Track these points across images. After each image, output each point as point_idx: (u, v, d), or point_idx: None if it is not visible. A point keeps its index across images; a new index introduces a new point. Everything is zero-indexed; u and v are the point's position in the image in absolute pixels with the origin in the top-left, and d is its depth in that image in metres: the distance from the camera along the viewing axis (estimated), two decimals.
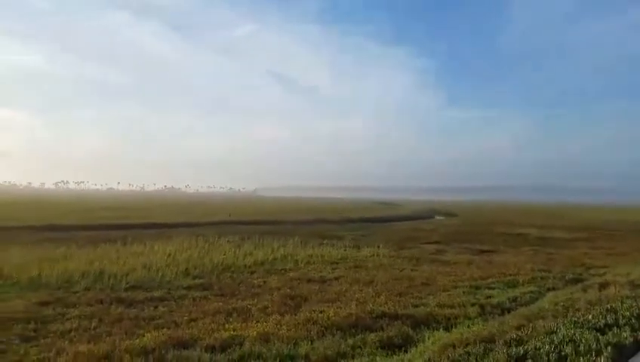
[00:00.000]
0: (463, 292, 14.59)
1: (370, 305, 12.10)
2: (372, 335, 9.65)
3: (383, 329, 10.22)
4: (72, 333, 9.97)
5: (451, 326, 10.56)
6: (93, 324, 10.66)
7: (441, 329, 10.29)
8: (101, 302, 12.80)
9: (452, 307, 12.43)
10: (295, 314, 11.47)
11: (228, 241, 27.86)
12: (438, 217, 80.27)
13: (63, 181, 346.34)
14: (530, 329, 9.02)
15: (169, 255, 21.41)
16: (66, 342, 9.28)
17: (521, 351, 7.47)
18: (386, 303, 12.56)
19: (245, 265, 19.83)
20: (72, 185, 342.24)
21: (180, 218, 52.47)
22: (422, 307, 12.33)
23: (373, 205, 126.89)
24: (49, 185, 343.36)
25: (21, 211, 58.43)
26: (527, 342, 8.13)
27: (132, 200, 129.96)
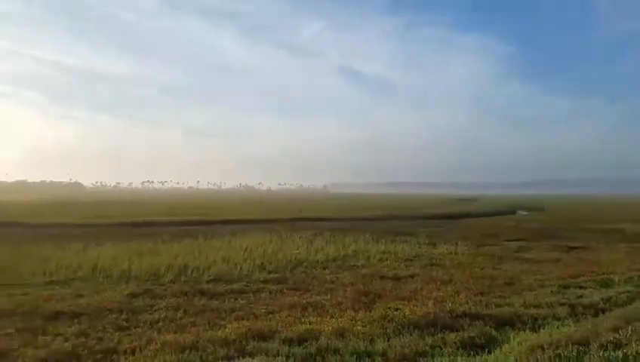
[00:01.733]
0: (551, 292, 13.73)
1: (449, 304, 11.75)
2: (452, 335, 9.36)
3: (463, 328, 9.89)
4: (160, 323, 10.67)
5: (538, 327, 9.98)
6: (179, 315, 11.35)
7: (527, 330, 9.76)
8: (185, 294, 13.60)
9: (539, 307, 11.75)
10: (369, 311, 11.44)
11: (300, 237, 28.37)
12: (521, 212, 76.23)
13: (148, 180, 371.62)
14: (629, 331, 8.29)
15: (245, 250, 22.24)
16: (155, 332, 9.96)
17: (620, 355, 6.89)
18: (466, 302, 12.13)
19: (317, 261, 20.08)
20: (156, 185, 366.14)
21: (254, 214, 54.31)
22: (505, 307, 11.76)
23: (450, 200, 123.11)
24: (136, 184, 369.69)
25: (111, 209, 63.51)
26: (625, 345, 7.50)
27: (211, 197, 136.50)
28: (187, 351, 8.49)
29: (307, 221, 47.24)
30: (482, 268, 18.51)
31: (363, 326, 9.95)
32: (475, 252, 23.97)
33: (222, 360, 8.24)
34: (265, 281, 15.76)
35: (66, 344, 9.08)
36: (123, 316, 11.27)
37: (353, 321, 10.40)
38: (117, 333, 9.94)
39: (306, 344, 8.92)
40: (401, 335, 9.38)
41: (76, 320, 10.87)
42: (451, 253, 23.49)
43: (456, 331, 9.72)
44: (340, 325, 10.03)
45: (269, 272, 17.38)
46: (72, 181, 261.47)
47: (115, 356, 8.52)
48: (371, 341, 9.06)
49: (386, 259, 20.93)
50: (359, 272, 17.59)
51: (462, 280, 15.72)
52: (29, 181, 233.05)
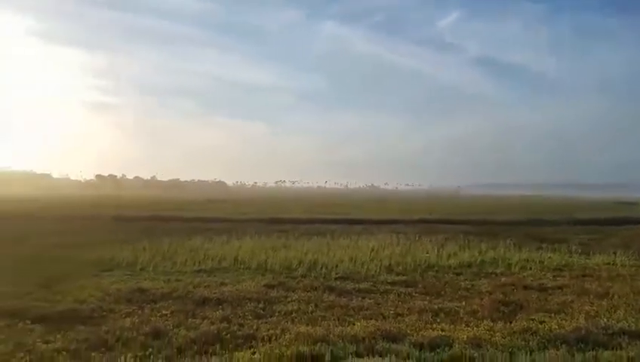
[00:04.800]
0: None
1: (604, 320, 10.59)
2: (606, 353, 8.46)
3: (620, 347, 8.85)
4: (293, 314, 11.44)
5: None
6: (310, 309, 12.02)
7: None
8: (315, 289, 14.31)
9: None
10: (509, 322, 10.85)
11: (430, 240, 27.72)
12: None
13: (281, 180, 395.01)
14: None
15: (372, 250, 22.51)
16: (289, 322, 10.70)
17: None
18: (625, 319, 10.80)
19: (450, 266, 19.48)
20: (288, 184, 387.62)
21: (381, 215, 54.48)
22: None
23: (606, 204, 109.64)
24: (270, 183, 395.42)
25: (249, 206, 68.93)
26: None
27: (338, 197, 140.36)
28: (319, 343, 8.96)
29: (438, 223, 45.92)
30: None
31: (502, 338, 9.51)
32: (639, 263, 21.05)
33: (352, 356, 8.53)
34: (393, 283, 15.80)
35: (212, 327, 10.19)
36: (260, 305, 12.27)
37: (491, 331, 9.97)
38: (255, 321, 10.87)
39: (437, 350, 8.79)
40: (546, 350, 8.74)
41: (220, 307, 12.14)
42: (609, 263, 20.95)
43: (612, 349, 8.74)
44: (476, 334, 9.70)
45: (397, 274, 17.38)
46: (217, 180, 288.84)
47: (253, 342, 9.35)
48: (511, 354, 8.59)
49: (530, 268, 19.46)
50: (498, 280, 16.66)
51: (621, 294, 13.98)
52: (181, 180, 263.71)
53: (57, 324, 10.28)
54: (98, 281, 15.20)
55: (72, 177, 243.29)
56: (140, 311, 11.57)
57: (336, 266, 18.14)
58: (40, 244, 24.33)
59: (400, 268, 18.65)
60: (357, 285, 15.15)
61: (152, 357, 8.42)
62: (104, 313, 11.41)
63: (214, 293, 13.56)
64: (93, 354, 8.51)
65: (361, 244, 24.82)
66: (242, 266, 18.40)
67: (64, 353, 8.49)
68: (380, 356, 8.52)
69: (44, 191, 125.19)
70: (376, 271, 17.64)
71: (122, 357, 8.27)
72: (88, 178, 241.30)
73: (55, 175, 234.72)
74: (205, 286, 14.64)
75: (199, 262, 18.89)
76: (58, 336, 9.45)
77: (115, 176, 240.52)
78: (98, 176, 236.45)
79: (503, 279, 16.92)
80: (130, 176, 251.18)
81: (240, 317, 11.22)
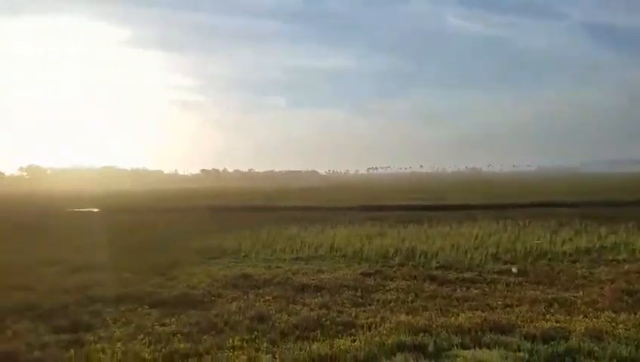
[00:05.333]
0: None
1: None
2: None
3: None
4: (392, 304, 11.35)
5: None
6: (410, 298, 11.85)
7: None
8: (415, 278, 14.07)
9: None
10: (634, 313, 9.90)
11: (541, 225, 25.96)
12: None
13: (373, 167, 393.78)
14: None
15: (476, 237, 21.61)
16: (388, 311, 10.64)
17: None
18: None
19: (564, 253, 18.11)
20: (380, 171, 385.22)
21: (483, 199, 52.08)
22: None
23: None
24: (362, 171, 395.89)
25: (341, 194, 69.67)
26: None
27: (435, 182, 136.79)
28: (421, 333, 8.80)
29: (550, 206, 42.84)
30: None
31: (626, 330, 8.71)
32: None
33: (457, 347, 8.27)
34: (500, 272, 15.07)
35: (312, 313, 10.46)
36: (358, 293, 12.35)
37: (613, 323, 9.16)
38: (353, 309, 10.97)
39: (552, 342, 8.24)
40: None
41: (318, 293, 12.42)
42: None
43: None
44: (596, 326, 8.97)
45: (505, 263, 16.54)
46: (309, 170, 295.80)
47: (353, 329, 9.44)
48: (637, 347, 7.81)
49: None
50: (620, 268, 15.22)
51: None
52: (275, 171, 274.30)
53: (171, 308, 11.20)
54: (206, 268, 16.31)
55: (180, 172, 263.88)
56: (244, 296, 12.24)
57: (437, 254, 17.68)
58: (154, 234, 26.71)
59: (508, 256, 17.71)
60: (460, 274, 14.65)
61: (257, 340, 8.85)
62: (213, 298, 12.22)
63: (312, 280, 13.92)
64: (204, 337, 9.14)
65: (463, 231, 23.97)
66: (338, 254, 18.66)
67: (179, 335, 9.22)
68: (488, 348, 8.17)
69: (156, 186, 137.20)
70: (481, 260, 16.91)
71: (230, 340, 8.79)
72: (194, 172, 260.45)
73: (165, 171, 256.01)
74: (303, 274, 15.08)
75: (296, 250, 19.49)
76: (173, 320, 10.28)
77: (217, 170, 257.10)
78: (203, 171, 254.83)
79: (626, 266, 15.44)
80: (230, 170, 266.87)
81: (338, 304, 11.39)
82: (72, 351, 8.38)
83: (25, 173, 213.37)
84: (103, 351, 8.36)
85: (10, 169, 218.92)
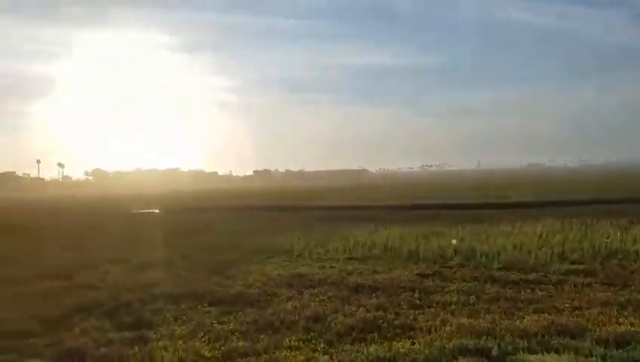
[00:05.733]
0: None
1: None
2: None
3: None
4: (452, 306, 11.04)
5: None
6: (471, 300, 11.48)
7: None
8: (476, 279, 13.63)
9: None
10: None
11: (610, 223, 24.49)
12: None
13: (426, 164, 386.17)
14: None
15: (540, 236, 20.70)
16: (448, 314, 10.36)
17: None
18: None
19: (637, 252, 16.98)
20: (434, 168, 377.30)
21: (547, 196, 49.81)
22: None
23: None
24: (415, 168, 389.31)
25: (394, 193, 68.80)
26: None
27: (494, 178, 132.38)
28: (484, 337, 8.49)
29: (621, 203, 40.32)
30: None
31: None
32: None
33: (522, 351, 7.93)
34: (567, 273, 14.33)
35: (368, 315, 10.37)
36: (416, 295, 12.10)
37: None
38: (411, 311, 10.76)
39: (627, 347, 7.76)
40: None
41: (374, 294, 12.29)
42: None
43: None
44: None
45: (572, 263, 15.70)
46: (360, 168, 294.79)
47: (412, 332, 9.25)
48: None
49: None
50: None
51: None
52: (325, 170, 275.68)
53: (229, 307, 11.47)
54: (261, 267, 16.57)
55: (234, 173, 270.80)
56: (299, 296, 12.32)
57: (498, 254, 17.03)
58: (210, 233, 27.48)
59: (575, 255, 16.81)
60: (524, 275, 14.04)
61: (314, 340, 8.87)
62: (268, 297, 12.39)
63: (367, 281, 13.79)
64: (261, 335, 9.27)
65: (525, 230, 23.02)
66: (393, 254, 18.38)
67: (237, 334, 9.41)
68: (557, 353, 7.78)
69: (212, 187, 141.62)
70: (546, 260, 16.15)
71: (287, 340, 8.87)
72: (247, 173, 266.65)
73: (220, 172, 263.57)
74: (358, 274, 14.97)
75: (350, 250, 19.40)
76: (231, 318, 10.52)
77: (269, 170, 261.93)
78: (255, 172, 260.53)
79: None
80: (281, 170, 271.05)
81: (395, 306, 11.21)
82: (136, 347, 8.74)
83: (90, 177, 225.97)
84: (165, 348, 8.67)
85: (77, 173, 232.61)
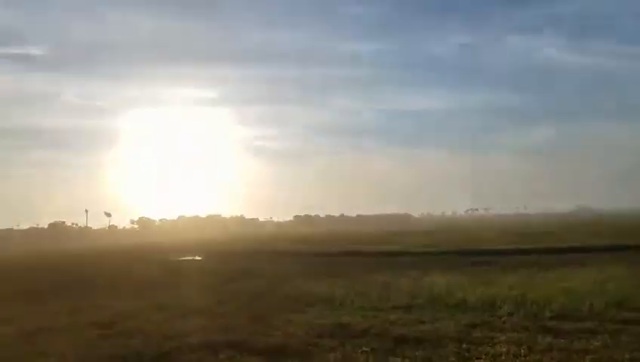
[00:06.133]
0: None
1: None
2: None
3: None
4: (503, 357, 10.56)
5: None
6: (522, 351, 10.92)
7: None
8: (527, 329, 13.01)
9: None
10: None
11: None
12: None
13: (472, 208, 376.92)
14: None
15: (595, 282, 19.65)
16: None
17: None
18: None
19: None
20: (480, 212, 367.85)
21: (600, 240, 47.49)
22: None
23: None
24: (460, 212, 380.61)
25: (438, 238, 67.29)
26: None
27: (543, 223, 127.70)
28: None
29: None
30: None
31: None
32: None
33: None
34: (625, 321, 13.48)
35: None
36: (463, 346, 11.63)
37: None
38: None
39: None
40: None
41: (420, 346, 11.89)
42: None
43: None
44: None
45: (631, 310, 14.80)
46: (403, 212, 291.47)
47: None
48: None
49: None
50: None
51: None
52: (367, 215, 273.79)
53: (270, 357, 11.37)
54: (302, 316, 16.40)
55: (275, 219, 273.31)
56: (341, 347, 12.07)
57: (549, 303, 16.23)
58: (250, 280, 27.57)
59: (634, 303, 15.83)
60: (578, 324, 13.31)
61: None
62: (309, 347, 12.21)
63: (412, 331, 13.38)
64: None
65: (578, 276, 21.92)
66: (439, 303, 17.81)
67: None
68: None
69: (252, 233, 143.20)
70: (601, 308, 15.27)
71: None
72: (287, 219, 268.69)
73: (261, 218, 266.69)
74: (402, 324, 14.56)
75: (393, 298, 18.94)
76: None
77: (310, 216, 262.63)
78: (296, 217, 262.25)
79: None
80: (322, 215, 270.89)
81: (443, 358, 10.82)
82: None
83: (135, 225, 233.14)
84: None
85: (123, 222, 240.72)
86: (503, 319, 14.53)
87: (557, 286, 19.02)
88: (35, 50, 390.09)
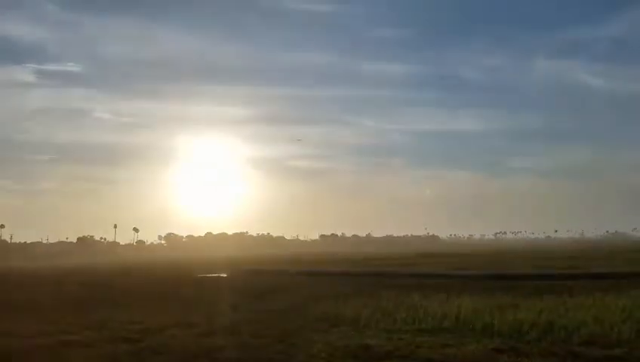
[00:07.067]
0: None
1: None
2: None
3: None
4: None
5: None
6: None
7: None
8: (554, 355, 12.83)
9: None
10: None
11: None
12: None
13: (500, 231, 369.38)
14: None
15: (624, 309, 19.11)
16: None
17: None
18: None
19: None
20: (509, 235, 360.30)
21: (631, 267, 45.95)
22: None
23: None
24: (489, 235, 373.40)
25: (466, 261, 66.24)
26: None
27: (573, 247, 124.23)
28: None
29: None
30: None
31: None
32: None
33: None
34: None
35: None
36: None
37: None
38: None
39: None
40: None
41: None
42: None
43: None
44: None
45: None
46: (430, 234, 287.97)
47: None
48: None
49: None
50: None
51: None
52: (394, 235, 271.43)
53: None
54: (326, 336, 16.43)
55: (301, 238, 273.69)
56: None
57: (578, 329, 15.88)
58: (275, 298, 27.72)
59: None
60: (607, 351, 13.08)
61: None
62: None
63: (438, 355, 13.31)
64: None
65: (607, 302, 21.31)
66: (465, 327, 17.58)
67: None
68: None
69: (278, 251, 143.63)
70: (630, 335, 14.88)
71: None
72: (313, 238, 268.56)
73: (287, 237, 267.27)
74: (428, 347, 14.45)
75: (419, 321, 18.78)
76: None
77: (336, 235, 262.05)
78: (322, 236, 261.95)
79: None
80: (348, 235, 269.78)
81: None
82: None
83: (163, 241, 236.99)
84: None
85: (151, 238, 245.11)
86: (530, 345, 14.30)
87: (586, 313, 18.58)
88: (73, 67, 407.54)
